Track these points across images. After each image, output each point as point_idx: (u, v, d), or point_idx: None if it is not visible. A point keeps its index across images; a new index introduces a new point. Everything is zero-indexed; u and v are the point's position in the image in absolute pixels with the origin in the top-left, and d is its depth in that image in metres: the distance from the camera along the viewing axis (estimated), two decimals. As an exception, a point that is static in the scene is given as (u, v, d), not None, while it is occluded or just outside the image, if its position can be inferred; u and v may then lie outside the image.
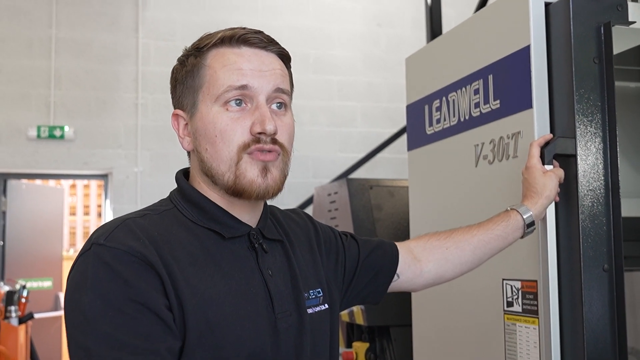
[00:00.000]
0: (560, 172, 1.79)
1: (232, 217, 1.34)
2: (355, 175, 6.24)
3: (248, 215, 1.36)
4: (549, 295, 1.80)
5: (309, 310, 1.38)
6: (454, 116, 2.27)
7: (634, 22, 1.87)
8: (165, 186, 7.02)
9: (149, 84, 6.82)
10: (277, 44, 1.38)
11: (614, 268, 1.78)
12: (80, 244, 10.72)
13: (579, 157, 1.80)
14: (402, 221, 3.17)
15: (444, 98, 2.33)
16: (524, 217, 1.72)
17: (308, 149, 7.15)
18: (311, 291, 1.41)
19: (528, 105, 1.89)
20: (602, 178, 1.81)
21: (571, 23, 1.82)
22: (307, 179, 7.10)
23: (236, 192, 1.30)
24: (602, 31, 1.83)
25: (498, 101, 2.03)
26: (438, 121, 2.37)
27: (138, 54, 6.82)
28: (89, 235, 1.27)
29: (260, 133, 1.28)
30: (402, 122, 7.24)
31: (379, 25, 7.54)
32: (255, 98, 1.31)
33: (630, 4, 1.87)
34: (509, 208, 1.76)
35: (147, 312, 1.15)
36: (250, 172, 1.29)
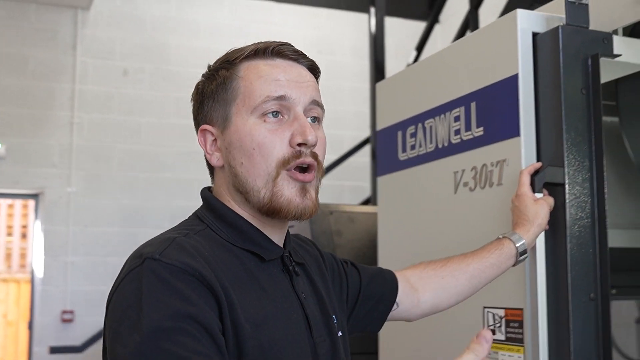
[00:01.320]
0: (551, 200, 1.80)
1: (267, 239, 1.29)
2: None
3: (278, 236, 1.32)
4: (538, 323, 1.80)
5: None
6: (430, 142, 2.26)
7: (620, 55, 1.91)
8: (99, 208, 6.87)
9: (86, 102, 6.67)
10: (308, 57, 1.35)
11: (600, 297, 1.80)
12: (1, 266, 10.30)
13: (567, 186, 1.81)
14: (363, 247, 3.15)
15: (419, 124, 2.33)
16: (517, 245, 1.72)
17: (246, 173, 7.08)
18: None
19: (515, 133, 1.90)
20: (589, 207, 1.83)
21: (560, 54, 1.84)
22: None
23: (271, 210, 1.25)
24: (590, 63, 1.86)
25: (481, 128, 2.03)
26: (413, 147, 2.36)
27: (75, 72, 6.67)
28: (138, 254, 1.18)
29: (300, 144, 1.24)
30: (341, 149, 7.29)
31: (319, 52, 7.58)
32: (293, 109, 1.27)
33: (615, 37, 1.91)
34: (500, 236, 1.75)
35: (205, 333, 1.07)
36: (288, 191, 1.24)
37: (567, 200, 1.81)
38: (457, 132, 2.14)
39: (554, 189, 1.83)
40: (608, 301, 1.79)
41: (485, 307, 1.99)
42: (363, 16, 7.67)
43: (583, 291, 1.79)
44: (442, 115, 2.21)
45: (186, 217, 1.33)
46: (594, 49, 1.87)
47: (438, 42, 7.08)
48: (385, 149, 2.55)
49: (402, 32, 7.46)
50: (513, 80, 1.92)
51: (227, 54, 1.33)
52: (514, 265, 1.74)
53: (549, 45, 1.89)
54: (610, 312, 1.78)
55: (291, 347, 1.20)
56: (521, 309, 1.86)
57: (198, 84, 1.35)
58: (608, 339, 1.77)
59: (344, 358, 1.35)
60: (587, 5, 1.89)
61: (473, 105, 2.07)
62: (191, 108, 1.37)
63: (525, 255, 1.74)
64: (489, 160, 2.00)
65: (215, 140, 1.31)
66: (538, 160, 1.89)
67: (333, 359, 1.30)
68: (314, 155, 1.27)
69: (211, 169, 1.36)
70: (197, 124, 1.35)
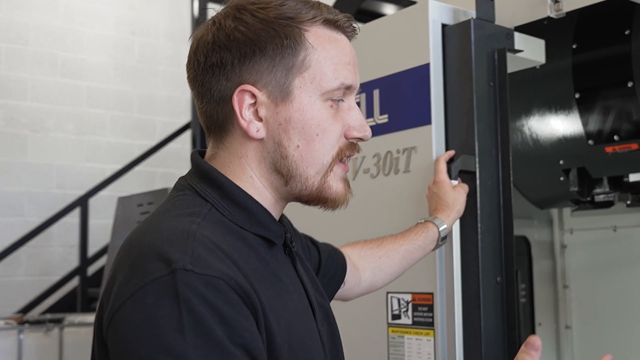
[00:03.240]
0: (467, 187, 1.85)
1: (274, 220, 1.18)
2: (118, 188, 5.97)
3: (278, 216, 1.22)
4: (454, 306, 1.85)
5: None
6: (324, 128, 2.25)
7: (522, 51, 2.01)
8: None
9: None
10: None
11: (505, 280, 1.88)
12: None
13: (478, 174, 1.88)
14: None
15: (311, 110, 2.30)
16: (440, 229, 1.75)
17: (52, 157, 6.67)
18: None
19: (426, 121, 1.94)
20: (497, 194, 1.91)
21: (472, 47, 1.90)
22: (50, 190, 6.62)
23: (316, 200, 1.17)
24: (496, 56, 1.93)
25: (386, 115, 2.05)
26: (303, 133, 2.33)
27: None
28: (139, 242, 1.03)
29: (356, 138, 1.18)
30: (153, 134, 7.07)
31: (132, 33, 7.29)
32: (350, 96, 1.19)
33: (516, 35, 2.01)
34: (422, 220, 1.78)
35: (246, 355, 0.96)
36: (336, 184, 1.17)
37: (478, 188, 1.88)
38: (357, 118, 2.14)
39: (465, 176, 1.89)
40: (513, 284, 1.88)
41: (388, 293, 2.01)
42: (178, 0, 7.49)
43: (491, 275, 1.87)
44: (339, 102, 2.20)
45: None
46: (499, 44, 1.96)
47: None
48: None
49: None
50: (424, 69, 1.96)
51: (285, 5, 1.13)
52: (434, 249, 1.78)
53: (458, 37, 1.94)
54: (515, 294, 1.88)
55: (310, 340, 1.13)
56: (431, 293, 1.91)
57: (241, 28, 1.11)
58: (514, 318, 1.86)
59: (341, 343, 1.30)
60: (493, 1, 1.98)
61: (376, 92, 2.09)
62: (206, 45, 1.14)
63: (445, 239, 1.78)
64: (395, 147, 2.02)
65: (254, 104, 1.13)
66: (447, 148, 1.94)
67: (333, 345, 1.24)
68: (358, 148, 1.22)
69: (219, 130, 1.17)
70: (225, 75, 1.12)
